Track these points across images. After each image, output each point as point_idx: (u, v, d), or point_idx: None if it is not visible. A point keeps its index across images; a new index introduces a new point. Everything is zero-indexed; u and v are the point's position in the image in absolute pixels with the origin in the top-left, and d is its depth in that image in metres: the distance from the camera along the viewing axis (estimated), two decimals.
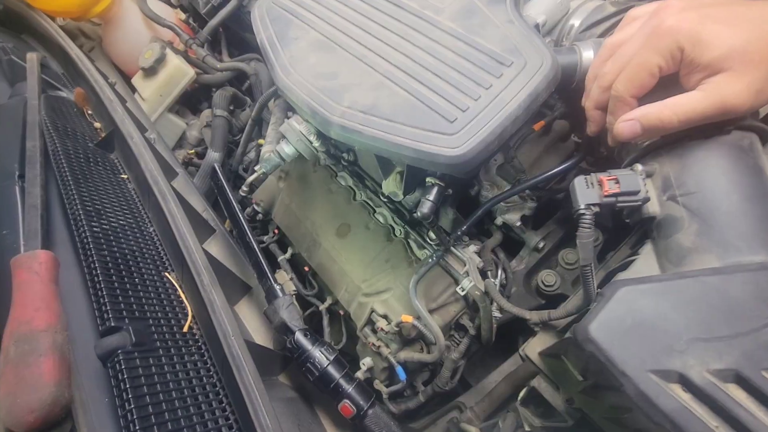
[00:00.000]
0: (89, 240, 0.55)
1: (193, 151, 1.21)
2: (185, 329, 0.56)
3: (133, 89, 1.20)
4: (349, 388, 0.59)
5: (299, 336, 0.58)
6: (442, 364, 0.90)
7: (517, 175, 0.81)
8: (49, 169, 0.63)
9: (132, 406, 0.43)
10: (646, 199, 0.49)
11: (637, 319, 0.40)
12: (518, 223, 0.87)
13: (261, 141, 1.23)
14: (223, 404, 0.50)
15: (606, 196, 0.48)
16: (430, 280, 0.85)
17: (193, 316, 0.58)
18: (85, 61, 0.89)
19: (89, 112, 0.91)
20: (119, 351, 0.46)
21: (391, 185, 0.75)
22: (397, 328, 0.83)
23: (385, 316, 0.87)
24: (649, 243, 0.52)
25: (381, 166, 0.74)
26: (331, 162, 1.09)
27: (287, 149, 0.77)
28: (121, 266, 0.57)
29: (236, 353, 0.49)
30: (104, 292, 0.51)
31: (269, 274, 0.66)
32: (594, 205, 0.48)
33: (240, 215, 0.72)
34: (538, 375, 0.66)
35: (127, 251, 0.60)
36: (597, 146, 0.68)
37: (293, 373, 0.69)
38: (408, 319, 0.79)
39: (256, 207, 1.18)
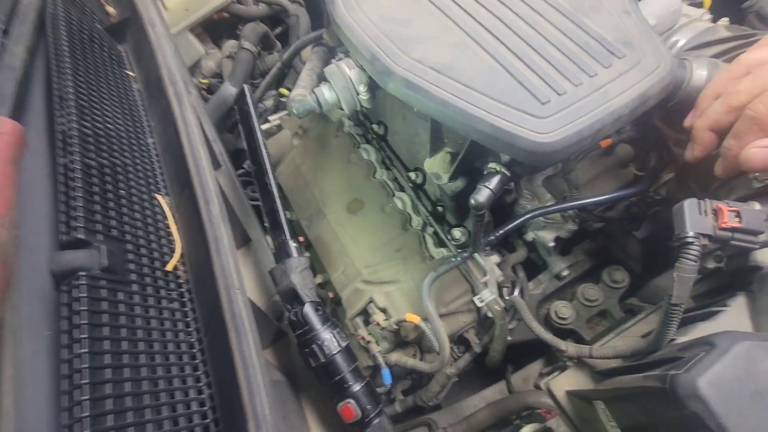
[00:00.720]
0: (75, 127, 0.43)
1: (206, 80, 1.08)
2: (169, 267, 0.45)
3: None
4: (357, 387, 0.49)
5: (309, 309, 0.47)
6: (430, 376, 0.81)
7: (568, 191, 0.73)
8: (42, 35, 0.50)
9: (82, 350, 0.31)
10: (766, 244, 0.41)
11: (762, 386, 0.31)
12: (552, 244, 0.79)
13: (283, 90, 1.11)
14: (199, 373, 0.39)
15: (722, 229, 0.40)
16: (445, 282, 0.76)
17: (181, 254, 0.47)
18: None
19: None
20: (82, 273, 0.35)
21: (436, 164, 0.66)
22: (396, 326, 0.74)
23: (384, 310, 0.77)
24: (742, 295, 0.44)
25: (431, 140, 0.64)
26: (356, 131, 0.99)
27: (328, 94, 0.66)
28: (106, 173, 0.44)
29: (238, 312, 0.38)
30: (78, 194, 0.39)
31: (285, 227, 0.55)
32: (704, 236, 0.40)
33: (263, 147, 0.61)
34: (557, 416, 0.57)
35: (117, 157, 0.47)
36: (686, 178, 0.61)
37: (281, 349, 0.58)
38: (414, 319, 0.69)
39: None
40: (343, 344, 0.48)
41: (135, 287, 0.39)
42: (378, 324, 0.75)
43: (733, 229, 0.40)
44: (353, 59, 0.65)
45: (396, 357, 0.76)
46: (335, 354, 0.46)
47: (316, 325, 0.47)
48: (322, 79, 0.87)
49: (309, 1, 1.20)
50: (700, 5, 0.75)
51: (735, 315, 0.43)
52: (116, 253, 0.38)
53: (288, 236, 0.54)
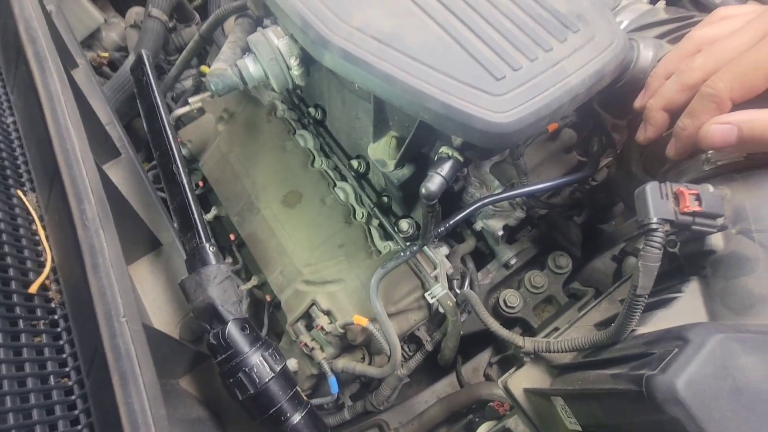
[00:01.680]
0: None
1: (106, 54, 0.91)
2: (33, 289, 0.33)
3: None
4: (298, 418, 0.40)
5: (233, 329, 0.38)
6: (381, 379, 0.75)
7: (517, 178, 0.71)
8: None
9: None
10: (724, 227, 0.40)
11: (740, 383, 0.29)
12: (500, 233, 0.76)
13: (204, 68, 0.97)
14: (79, 428, 0.29)
15: (683, 214, 0.38)
16: (393, 279, 0.71)
17: (52, 270, 0.35)
18: None
19: None
20: None
21: (381, 150, 0.59)
22: (341, 330, 0.67)
23: (328, 313, 0.70)
24: (695, 281, 0.43)
25: (375, 123, 0.58)
26: (291, 116, 0.89)
27: (252, 68, 0.56)
28: None
29: (126, 349, 0.28)
30: None
31: (200, 227, 0.45)
32: (667, 221, 0.38)
33: (169, 128, 0.50)
34: (515, 415, 0.55)
35: None
36: (627, 163, 0.60)
37: (203, 374, 0.48)
38: (362, 321, 0.63)
39: (180, 147, 0.92)
40: (278, 368, 0.40)
41: None
42: (322, 328, 0.68)
43: (694, 213, 0.38)
44: (282, 27, 0.56)
45: (343, 363, 0.69)
46: (268, 382, 0.38)
47: (243, 348, 0.38)
48: (245, 53, 0.76)
49: None
50: None
51: (690, 301, 0.42)
52: None
53: (203, 239, 0.44)
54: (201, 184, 0.94)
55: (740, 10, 0.45)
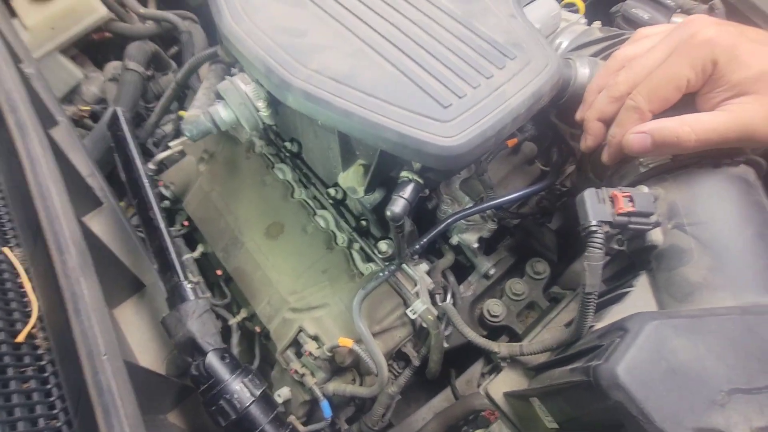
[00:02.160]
0: None
1: (87, 107, 0.95)
2: (20, 338, 0.36)
3: (12, 12, 0.91)
4: None
5: (212, 359, 0.40)
6: (373, 399, 0.77)
7: (484, 192, 0.75)
8: None
9: None
10: (658, 224, 0.44)
11: (673, 363, 0.32)
12: (476, 245, 0.80)
13: (182, 112, 1.02)
14: None
15: (619, 215, 0.42)
16: (375, 299, 0.73)
17: (39, 318, 0.38)
18: None
19: None
20: None
21: (350, 179, 0.63)
22: (329, 354, 0.69)
23: (315, 338, 0.72)
24: (644, 275, 0.47)
25: (342, 154, 0.62)
26: (269, 151, 0.93)
27: (224, 113, 0.60)
28: None
29: (107, 384, 0.30)
30: None
31: (177, 266, 0.48)
32: (606, 222, 0.41)
33: (144, 178, 0.53)
34: (498, 419, 0.57)
35: None
36: (585, 169, 0.64)
37: (190, 408, 0.49)
38: (347, 343, 0.65)
39: (163, 190, 0.95)
40: (258, 392, 0.42)
41: None
42: (311, 354, 0.70)
43: (629, 213, 0.42)
44: (248, 73, 0.60)
45: (334, 386, 0.70)
46: (248, 406, 0.40)
47: (224, 376, 0.40)
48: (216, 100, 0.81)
49: (204, 17, 1.13)
50: (575, 11, 0.82)
51: (641, 294, 0.45)
52: None
53: (181, 277, 0.47)
54: (186, 223, 0.97)
55: (658, 29, 0.51)
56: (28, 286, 0.39)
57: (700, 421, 0.30)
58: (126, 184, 0.55)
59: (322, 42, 0.55)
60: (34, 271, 0.41)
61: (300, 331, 0.73)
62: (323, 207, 0.85)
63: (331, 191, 0.84)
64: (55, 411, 0.34)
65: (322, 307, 0.74)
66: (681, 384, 0.32)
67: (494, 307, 0.86)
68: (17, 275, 0.40)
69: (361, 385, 0.74)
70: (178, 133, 1.02)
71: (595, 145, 0.52)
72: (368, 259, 0.80)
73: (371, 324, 0.70)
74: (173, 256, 0.49)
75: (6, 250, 0.40)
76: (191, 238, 0.99)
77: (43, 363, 0.36)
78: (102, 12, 0.94)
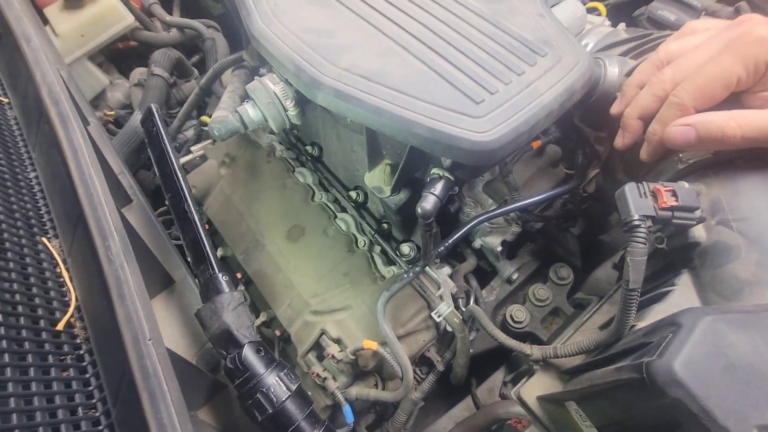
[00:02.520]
0: None
1: (112, 112, 0.97)
2: (60, 326, 0.36)
3: (45, 20, 0.94)
4: None
5: (249, 351, 0.40)
6: (396, 405, 0.75)
7: (509, 194, 0.74)
8: None
9: None
10: (702, 219, 0.42)
11: (732, 359, 0.31)
12: (499, 248, 0.78)
13: (205, 118, 1.03)
14: None
15: (662, 209, 0.41)
16: (399, 301, 0.72)
17: (77, 307, 0.37)
18: None
19: None
20: None
21: (376, 177, 0.63)
22: (353, 357, 0.68)
23: (338, 341, 0.71)
24: (686, 273, 0.45)
25: (369, 153, 0.61)
26: (289, 155, 0.94)
27: (252, 112, 0.60)
28: None
29: (152, 369, 0.30)
30: None
31: (212, 259, 0.47)
32: (648, 217, 0.40)
33: (179, 171, 0.53)
34: (531, 425, 0.55)
35: None
36: (613, 170, 0.63)
37: (220, 405, 0.49)
38: (372, 345, 0.64)
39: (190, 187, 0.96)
40: (294, 387, 0.41)
41: (7, 358, 0.30)
42: (333, 357, 0.69)
43: (672, 208, 0.41)
44: (277, 74, 0.61)
45: (356, 391, 0.69)
46: (285, 401, 0.39)
47: (259, 370, 0.40)
48: (244, 100, 0.82)
49: (225, 26, 1.15)
50: (598, 15, 0.82)
51: (684, 292, 0.44)
52: None
53: (216, 269, 0.47)
54: (207, 227, 0.97)
55: (706, 24, 0.50)
56: (66, 276, 0.39)
57: (765, 417, 0.29)
58: (159, 178, 0.56)
59: (351, 41, 0.56)
60: (71, 262, 0.41)
61: (322, 333, 0.72)
62: (344, 210, 0.85)
63: (353, 194, 0.84)
64: (93, 400, 0.34)
65: (344, 309, 0.73)
66: (742, 380, 0.30)
67: (518, 313, 0.84)
68: (56, 265, 0.40)
69: (383, 390, 0.72)
70: (199, 138, 1.03)
71: (632, 143, 0.51)
72: (389, 262, 0.79)
73: (395, 327, 0.69)
74: (208, 248, 0.49)
75: (44, 240, 0.40)
76: (211, 242, 0.99)
77: (81, 352, 0.36)
78: (129, 20, 0.97)
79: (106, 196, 0.39)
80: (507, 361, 0.93)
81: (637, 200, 0.41)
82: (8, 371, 0.30)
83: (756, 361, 0.31)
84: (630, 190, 0.41)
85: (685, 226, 0.42)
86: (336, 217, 0.84)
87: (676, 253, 0.47)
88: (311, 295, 0.78)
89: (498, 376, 0.93)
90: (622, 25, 0.73)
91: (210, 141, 1.03)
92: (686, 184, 0.45)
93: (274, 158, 0.95)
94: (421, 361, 0.76)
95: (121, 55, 1.15)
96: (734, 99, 0.43)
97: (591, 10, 0.83)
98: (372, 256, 0.80)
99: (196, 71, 1.12)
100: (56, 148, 0.42)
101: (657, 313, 0.44)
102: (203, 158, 1.01)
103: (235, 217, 0.91)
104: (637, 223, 0.40)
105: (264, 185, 0.93)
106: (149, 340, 0.31)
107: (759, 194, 0.42)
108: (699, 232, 0.44)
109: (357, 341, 0.68)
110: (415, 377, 0.74)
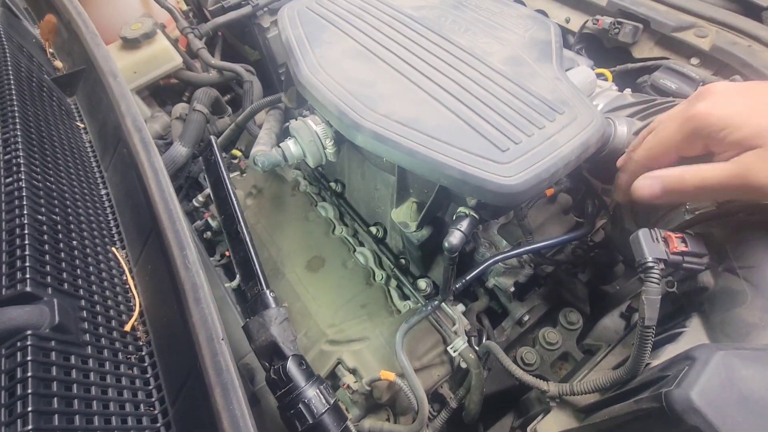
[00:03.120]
0: (23, 179, 0.38)
1: None
2: (128, 327, 0.38)
3: None
4: None
5: (292, 364, 0.42)
6: None
7: (523, 237, 0.78)
8: None
9: (27, 427, 0.24)
10: (710, 265, 0.46)
11: (745, 391, 0.33)
12: (512, 289, 0.81)
13: (236, 151, 1.10)
14: None
15: (673, 254, 0.45)
16: (416, 335, 0.74)
17: (140, 313, 0.40)
18: None
19: (50, 50, 0.74)
20: (28, 332, 0.28)
21: (403, 214, 0.67)
22: (368, 387, 0.69)
23: (354, 371, 0.72)
24: (696, 316, 0.48)
25: (398, 191, 0.66)
26: (312, 190, 0.99)
27: (294, 149, 0.66)
28: (57, 227, 0.38)
29: (225, 365, 0.32)
30: (26, 242, 0.33)
31: (261, 276, 0.51)
32: (660, 260, 0.44)
33: (233, 196, 0.58)
34: None
35: (69, 210, 0.42)
36: (621, 219, 0.68)
37: (255, 419, 0.50)
38: (389, 376, 0.65)
39: (210, 221, 1.01)
40: (332, 400, 0.43)
41: (90, 350, 0.33)
42: (348, 387, 0.70)
43: (683, 253, 0.45)
44: (319, 116, 0.67)
45: (369, 424, 0.69)
46: (324, 413, 0.41)
47: (301, 382, 0.42)
48: (279, 137, 0.88)
49: (259, 70, 1.25)
50: (604, 80, 0.91)
51: (695, 334, 0.47)
52: (69, 310, 0.32)
53: (264, 286, 0.50)
54: (227, 253, 1.01)
55: None
56: (131, 284, 0.43)
57: None
58: (214, 200, 0.60)
59: (389, 92, 0.63)
60: (137, 271, 0.44)
61: (338, 363, 0.74)
62: (362, 244, 0.89)
63: (373, 229, 0.88)
64: (152, 399, 0.36)
65: (361, 340, 0.75)
66: (755, 411, 0.33)
67: (528, 355, 0.85)
68: (122, 272, 0.43)
69: (395, 422, 0.73)
70: (228, 169, 1.09)
71: (623, 197, 0.57)
72: (405, 297, 0.82)
73: (411, 359, 0.70)
74: (258, 266, 0.52)
75: (115, 250, 0.44)
76: (230, 269, 1.02)
77: (142, 354, 0.38)
78: (178, 60, 1.06)
79: (181, 210, 0.44)
80: (515, 406, 0.92)
81: (651, 244, 0.45)
82: (90, 362, 0.32)
83: (767, 395, 0.33)
84: (644, 235, 0.46)
85: (695, 270, 0.46)
86: (355, 250, 0.88)
87: (686, 297, 0.50)
88: (328, 324, 0.80)
89: (506, 422, 0.92)
90: (628, 91, 0.81)
91: (238, 173, 1.09)
92: (693, 233, 0.49)
93: (298, 192, 1.00)
94: (433, 397, 0.77)
95: (160, 90, 1.24)
96: (707, 160, 0.49)
97: (598, 75, 0.91)
98: (389, 290, 0.83)
99: (229, 109, 1.21)
100: (133, 169, 0.47)
101: (669, 352, 0.46)
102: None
103: (258, 245, 0.95)
104: (651, 264, 0.44)
105: (287, 217, 0.97)
106: (222, 339, 0.34)
107: (762, 245, 0.46)
108: (707, 278, 0.47)
109: (373, 372, 0.69)
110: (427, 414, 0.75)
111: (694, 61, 0.87)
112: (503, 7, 0.80)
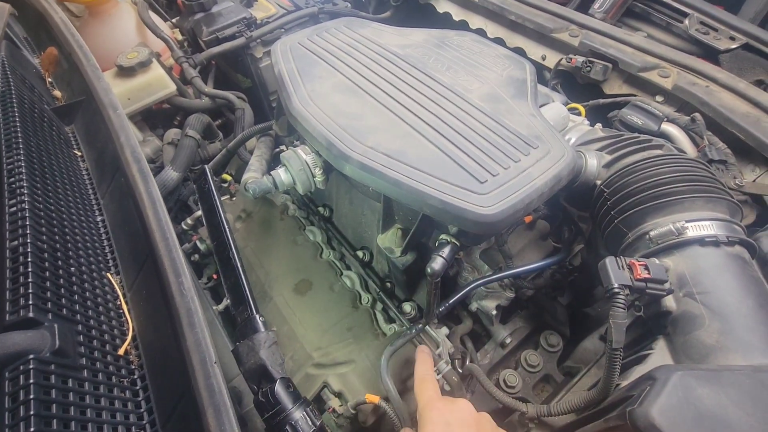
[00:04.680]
0: (26, 207, 0.39)
1: None
2: (121, 351, 0.39)
3: None
4: None
5: (280, 387, 0.43)
6: None
7: (503, 262, 0.81)
8: None
9: None
10: (671, 290, 0.50)
11: (700, 410, 0.36)
12: (494, 311, 0.84)
13: (226, 176, 1.12)
14: None
15: (638, 280, 0.48)
16: (400, 358, 0.76)
17: (134, 337, 0.41)
18: (68, 24, 0.76)
19: (50, 79, 0.76)
20: (31, 356, 0.29)
21: (388, 240, 0.70)
22: (353, 411, 0.69)
23: (339, 394, 0.73)
24: (661, 338, 0.52)
25: (383, 218, 0.70)
26: (301, 214, 1.02)
27: (284, 176, 0.69)
28: (57, 253, 0.40)
29: (217, 388, 0.34)
30: (29, 269, 0.34)
31: (251, 301, 0.52)
32: (626, 286, 0.48)
33: (225, 223, 0.60)
34: None
35: (68, 236, 0.43)
36: (596, 246, 0.72)
37: None
38: (374, 399, 0.67)
39: (198, 244, 1.02)
40: (318, 422, 0.44)
41: (86, 373, 0.34)
42: (334, 411, 0.70)
43: (646, 279, 0.49)
44: (309, 146, 0.71)
45: None
46: None
47: (288, 405, 0.43)
48: (269, 164, 0.91)
49: (251, 98, 1.29)
50: (577, 114, 0.97)
51: (660, 355, 0.50)
52: (68, 334, 0.34)
53: (254, 310, 0.52)
54: (215, 276, 1.01)
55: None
56: (125, 308, 0.44)
57: None
58: (207, 228, 0.62)
59: (375, 125, 0.67)
60: (131, 296, 0.45)
61: (324, 386, 0.74)
62: (349, 268, 0.91)
63: (360, 254, 0.91)
64: (143, 422, 0.37)
65: (347, 363, 0.76)
66: (709, 427, 0.36)
67: (510, 378, 0.87)
68: (117, 297, 0.44)
69: None
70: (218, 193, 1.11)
71: None
72: (390, 320, 0.83)
73: (396, 382, 0.72)
74: (248, 291, 0.54)
75: (110, 276, 0.45)
76: (218, 291, 1.02)
77: (134, 377, 0.39)
78: (173, 88, 1.10)
79: (176, 238, 0.45)
80: None
81: (617, 271, 0.49)
82: (86, 385, 0.33)
83: (720, 413, 0.36)
84: (610, 262, 0.49)
85: (657, 296, 0.50)
86: (342, 274, 0.90)
87: (652, 321, 0.54)
88: (314, 348, 0.81)
89: None
90: (598, 125, 0.86)
91: (227, 197, 1.11)
92: (657, 261, 0.53)
93: (287, 216, 1.03)
94: (414, 421, 0.77)
95: (152, 114, 1.27)
96: None
97: (572, 110, 0.98)
98: (374, 313, 0.84)
99: (221, 134, 1.23)
100: (131, 198, 0.49)
101: (637, 373, 0.49)
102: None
103: (246, 268, 0.96)
104: (617, 290, 0.47)
105: (276, 240, 0.99)
106: (215, 362, 0.36)
107: (717, 272, 0.50)
108: (670, 302, 0.51)
109: (359, 395, 0.70)
110: None
111: (659, 98, 0.94)
112: (482, 46, 0.86)
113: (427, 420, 0.54)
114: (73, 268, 0.41)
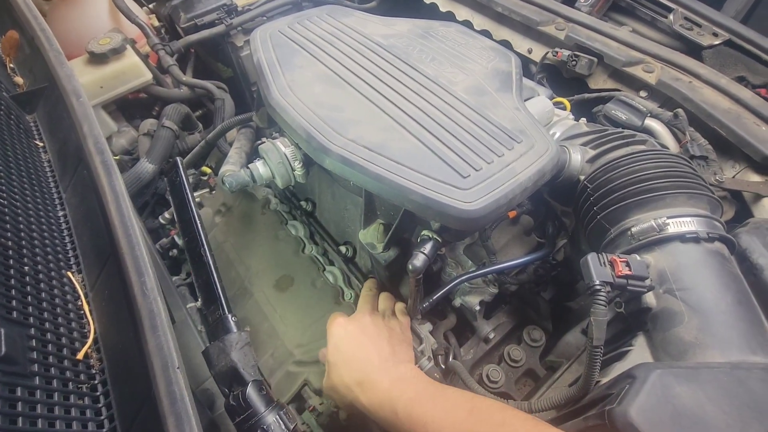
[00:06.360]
0: None
1: (117, 157, 1.01)
2: (80, 355, 0.37)
3: None
4: None
5: (252, 390, 0.41)
6: None
7: (487, 257, 0.81)
8: None
9: None
10: (652, 287, 0.50)
11: (678, 408, 0.36)
12: (477, 307, 0.84)
13: (205, 168, 1.09)
14: None
15: (619, 277, 0.48)
16: None
17: (95, 339, 0.39)
18: (31, 6, 0.71)
19: (11, 65, 0.71)
20: None
21: (370, 235, 0.68)
22: (334, 409, 0.68)
23: (320, 392, 0.71)
24: (641, 335, 0.52)
25: (365, 213, 0.68)
26: (283, 208, 1.00)
27: (262, 170, 0.67)
28: (10, 249, 0.37)
29: (179, 395, 0.32)
30: None
31: (223, 300, 0.50)
32: (607, 283, 0.47)
33: (198, 219, 0.57)
34: None
35: (23, 231, 0.40)
36: (579, 241, 0.71)
37: None
38: None
39: (176, 238, 0.99)
40: (291, 426, 0.42)
41: (38, 381, 0.32)
42: (314, 409, 0.69)
43: (627, 276, 0.48)
44: (288, 138, 0.68)
45: None
46: None
47: (260, 408, 0.41)
48: (249, 156, 0.89)
49: (232, 88, 1.25)
50: (563, 109, 0.96)
51: (640, 352, 0.50)
52: (15, 339, 0.31)
53: (226, 310, 0.50)
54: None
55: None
56: (86, 309, 0.41)
57: None
58: (178, 223, 0.60)
59: (357, 117, 0.65)
60: (93, 296, 0.43)
61: (304, 384, 0.73)
62: (332, 263, 0.90)
63: (342, 249, 0.89)
64: (103, 430, 0.35)
65: None
66: (686, 426, 0.35)
67: (493, 373, 0.87)
68: (78, 298, 0.42)
69: None
70: (197, 186, 1.08)
71: None
72: None
73: None
74: (220, 290, 0.52)
75: (70, 274, 0.43)
76: (194, 288, 1.00)
77: (95, 382, 0.37)
78: (148, 76, 1.05)
79: (140, 236, 0.43)
80: None
81: (598, 268, 0.48)
82: (38, 394, 0.31)
83: (697, 411, 0.36)
84: (592, 259, 0.49)
85: (638, 293, 0.49)
86: (325, 269, 0.88)
87: (632, 317, 0.53)
88: (296, 345, 0.79)
89: None
90: (583, 120, 0.86)
91: (207, 190, 1.08)
92: (638, 257, 0.53)
93: (269, 210, 1.00)
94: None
95: (128, 104, 1.22)
96: None
97: (557, 104, 0.97)
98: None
99: (200, 125, 1.20)
100: (94, 192, 0.46)
101: (617, 370, 0.49)
102: (200, 205, 1.05)
103: (225, 264, 0.94)
104: (598, 287, 0.47)
105: (257, 235, 0.97)
106: (177, 367, 0.34)
107: (696, 269, 0.50)
108: (650, 299, 0.51)
109: None
110: None
111: (643, 93, 0.94)
112: (468, 38, 0.84)
113: (329, 335, 0.63)
114: (27, 267, 0.38)
